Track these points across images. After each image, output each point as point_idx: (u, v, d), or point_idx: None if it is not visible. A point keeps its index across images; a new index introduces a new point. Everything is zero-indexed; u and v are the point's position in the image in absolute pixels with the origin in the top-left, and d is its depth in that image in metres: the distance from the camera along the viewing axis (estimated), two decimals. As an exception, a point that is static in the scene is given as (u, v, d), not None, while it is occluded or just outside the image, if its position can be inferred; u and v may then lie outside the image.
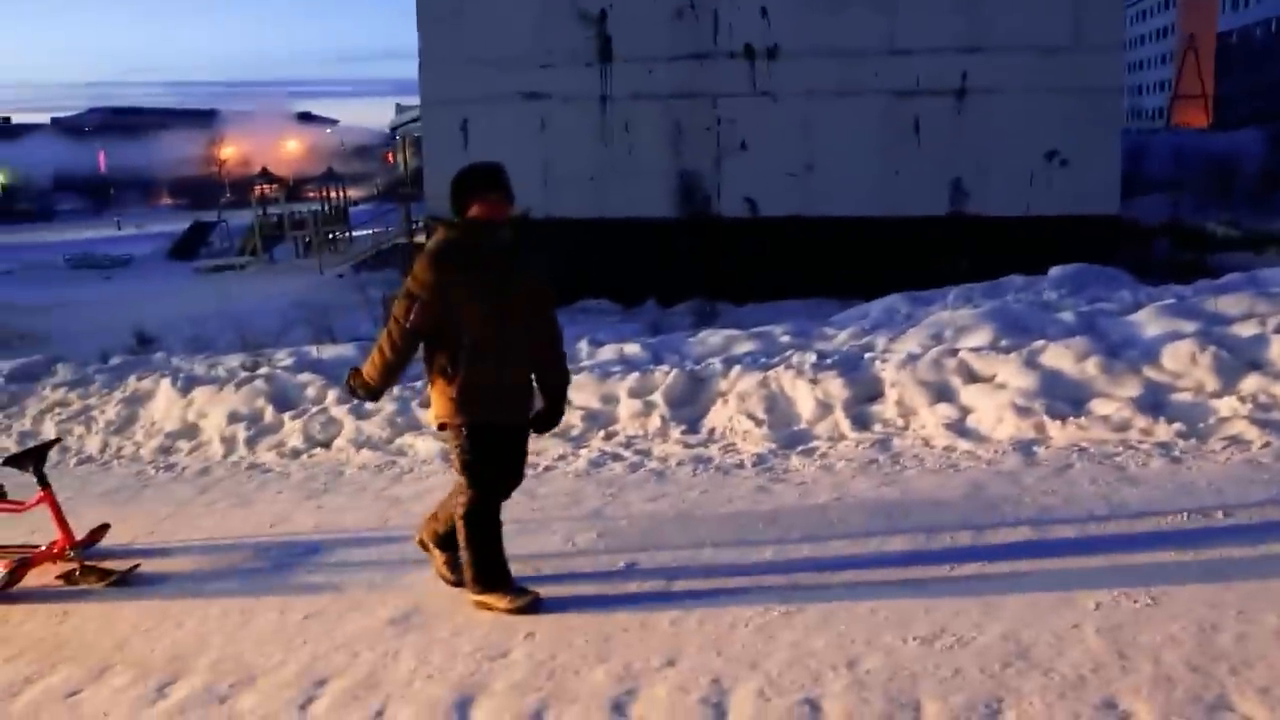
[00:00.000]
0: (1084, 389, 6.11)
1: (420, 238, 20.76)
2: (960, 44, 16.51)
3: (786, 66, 16.67)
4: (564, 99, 17.00)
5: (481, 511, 3.96)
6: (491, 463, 3.94)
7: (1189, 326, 6.53)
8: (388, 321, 3.97)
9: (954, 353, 6.49)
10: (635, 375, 6.73)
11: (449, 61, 16.98)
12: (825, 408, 6.16)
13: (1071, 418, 5.93)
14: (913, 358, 6.49)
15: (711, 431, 6.22)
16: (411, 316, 3.81)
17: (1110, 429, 5.82)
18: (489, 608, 3.97)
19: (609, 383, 6.73)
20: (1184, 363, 6.18)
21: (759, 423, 6.12)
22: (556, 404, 4.19)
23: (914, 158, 16.71)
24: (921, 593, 3.97)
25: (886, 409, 6.23)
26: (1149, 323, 6.70)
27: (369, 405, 6.80)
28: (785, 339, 7.13)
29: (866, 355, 6.66)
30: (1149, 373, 6.17)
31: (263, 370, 7.50)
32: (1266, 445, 5.52)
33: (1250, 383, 6.03)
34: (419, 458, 6.37)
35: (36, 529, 4.92)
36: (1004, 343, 6.59)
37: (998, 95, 16.64)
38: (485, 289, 3.82)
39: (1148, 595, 3.82)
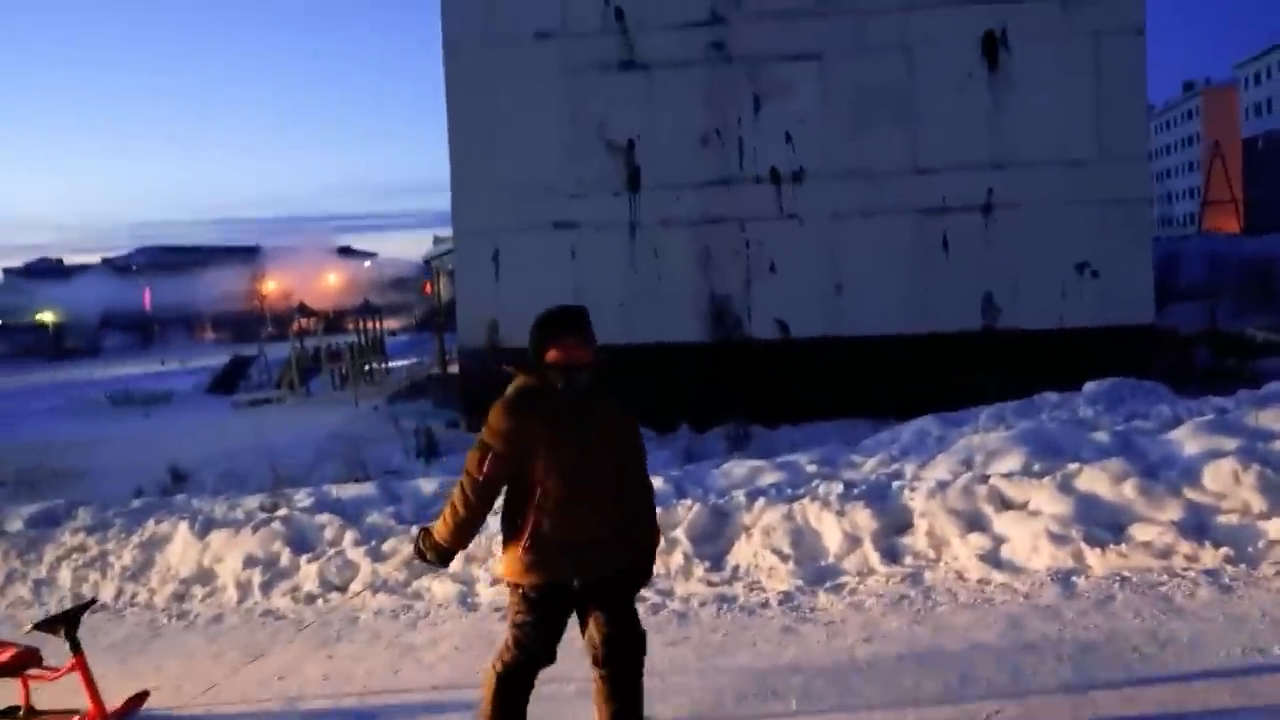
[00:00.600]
0: (1123, 513, 5.84)
1: (454, 368, 20.82)
2: (984, 160, 16.56)
3: (812, 189, 16.76)
4: (594, 227, 17.13)
5: (517, 674, 3.72)
6: (545, 629, 3.68)
7: (1230, 443, 6.27)
8: (461, 477, 3.72)
9: (985, 479, 6.25)
10: (658, 511, 6.51)
11: (480, 191, 17.22)
12: (853, 540, 5.92)
13: (1111, 545, 5.65)
14: (942, 485, 6.25)
15: (736, 569, 5.98)
16: (485, 468, 3.59)
17: (1152, 555, 5.54)
18: None
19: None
20: (1227, 482, 5.90)
21: (784, 558, 5.88)
22: (646, 564, 3.89)
23: (943, 274, 16.62)
24: (955, 748, 3.70)
25: (917, 540, 5.98)
26: (1188, 440, 6.44)
27: (385, 547, 6.63)
28: (811, 468, 6.91)
29: (895, 484, 6.43)
30: (1190, 494, 5.90)
31: (281, 511, 7.36)
32: (1320, 571, 5.23)
33: (1299, 503, 5.75)
34: (435, 601, 6.16)
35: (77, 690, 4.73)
36: (1037, 466, 6.35)
37: (1024, 209, 16.60)
38: (562, 438, 3.59)
39: (1200, 747, 3.53)
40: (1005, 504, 6.07)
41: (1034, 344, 15.92)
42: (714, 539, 6.25)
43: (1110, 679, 4.26)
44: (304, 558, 6.74)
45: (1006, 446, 6.68)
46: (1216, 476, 5.95)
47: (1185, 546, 5.54)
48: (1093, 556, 5.59)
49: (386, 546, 6.67)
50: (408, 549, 6.60)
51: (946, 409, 10.56)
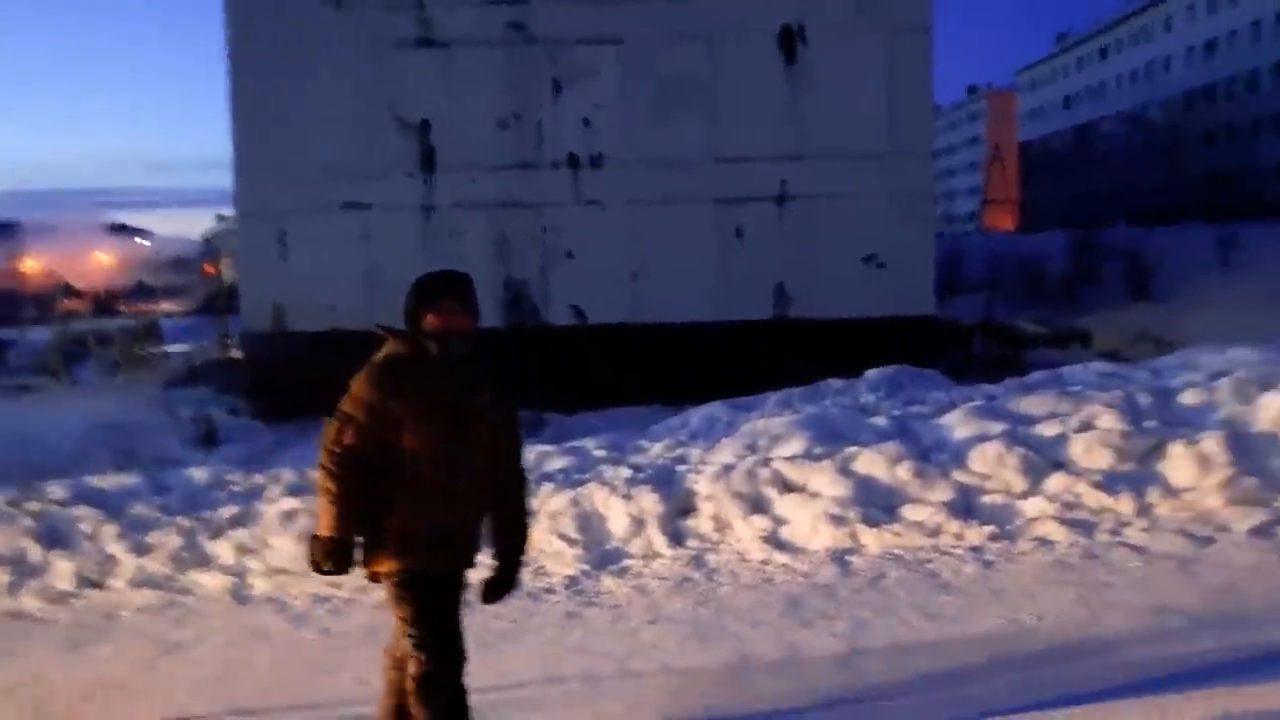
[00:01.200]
0: (897, 495, 6.12)
1: (237, 353, 20.00)
2: (781, 152, 17.03)
3: (611, 176, 16.86)
4: (387, 209, 16.76)
5: (440, 678, 3.26)
6: (444, 616, 3.28)
7: (996, 427, 6.65)
8: (319, 457, 3.26)
9: (768, 462, 6.43)
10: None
11: (265, 169, 16.57)
12: (639, 524, 5.99)
13: (885, 525, 5.92)
14: (727, 469, 6.40)
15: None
16: (345, 438, 3.18)
17: (923, 534, 5.83)
18: None
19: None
20: (992, 464, 6.26)
21: (571, 542, 5.90)
22: (512, 565, 3.50)
23: (739, 263, 17.00)
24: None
25: (701, 523, 6.10)
26: (959, 425, 6.79)
27: (150, 539, 6.30)
28: (600, 453, 6.96)
29: (680, 468, 6.54)
30: (959, 476, 6.23)
31: (31, 505, 6.88)
32: (1073, 545, 5.60)
33: (1055, 482, 6.15)
34: (205, 595, 5.90)
35: None
36: (818, 450, 6.57)
37: (818, 201, 17.15)
38: (435, 413, 3.23)
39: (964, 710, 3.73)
40: (787, 486, 6.26)
41: (825, 332, 16.49)
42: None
43: (881, 651, 4.44)
44: (57, 554, 6.33)
45: (790, 431, 6.88)
46: (983, 459, 6.30)
47: (953, 525, 5.86)
48: (868, 536, 5.84)
49: (152, 539, 6.33)
50: (175, 540, 6.30)
51: (742, 395, 10.81)
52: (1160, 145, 71.33)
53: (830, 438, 6.74)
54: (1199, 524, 5.73)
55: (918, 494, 6.08)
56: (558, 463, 6.78)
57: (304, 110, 16.69)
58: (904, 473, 6.19)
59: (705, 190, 17.09)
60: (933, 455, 6.40)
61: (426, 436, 3.21)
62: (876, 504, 6.04)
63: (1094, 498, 5.99)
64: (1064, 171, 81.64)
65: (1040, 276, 39.44)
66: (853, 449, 6.46)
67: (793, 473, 6.31)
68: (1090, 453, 6.30)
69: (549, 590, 5.52)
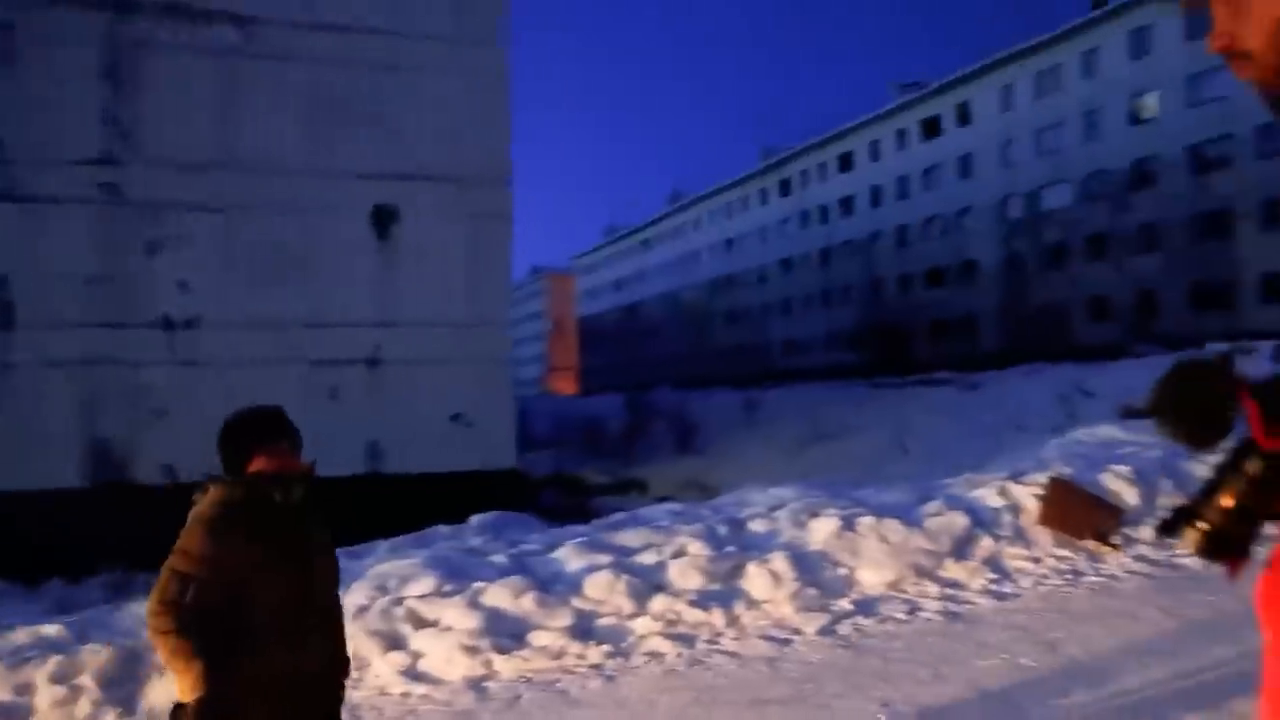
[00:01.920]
0: (523, 623, 6.26)
1: None
2: (373, 319, 17.16)
3: (208, 336, 16.17)
4: (-44, 365, 14.97)
5: None
6: None
7: (604, 559, 7.00)
8: (148, 620, 2.80)
9: (400, 601, 6.36)
10: (58, 658, 5.76)
11: None
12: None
13: (515, 650, 6.01)
14: (362, 609, 6.25)
15: (150, 710, 5.44)
16: (188, 598, 2.74)
17: (549, 657, 5.99)
18: None
19: (24, 670, 5.68)
20: (604, 591, 6.58)
21: (207, 692, 5.47)
22: (339, 702, 3.19)
23: (333, 421, 16.70)
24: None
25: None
26: (571, 558, 7.08)
27: None
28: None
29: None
30: (576, 603, 6.48)
31: None
32: (679, 655, 5.98)
33: (658, 602, 6.56)
34: None
35: None
36: (447, 588, 6.59)
37: (408, 365, 17.38)
38: (279, 558, 2.90)
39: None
40: (421, 622, 6.21)
41: (417, 484, 16.51)
42: (128, 681, 5.64)
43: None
44: None
45: (416, 572, 6.85)
46: (595, 586, 6.61)
47: (575, 646, 6.07)
48: (500, 662, 5.90)
49: None
50: None
51: (343, 548, 10.53)
52: (693, 322, 78.47)
53: (456, 576, 6.78)
54: (778, 629, 6.32)
55: (542, 621, 6.25)
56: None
57: None
58: (528, 603, 6.35)
59: (300, 352, 16.82)
60: (551, 586, 6.63)
61: (270, 584, 2.88)
62: (505, 633, 6.14)
63: (691, 614, 6.45)
64: (615, 343, 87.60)
65: (600, 433, 41.74)
66: (479, 584, 6.55)
67: (425, 609, 6.28)
68: (684, 576, 6.80)
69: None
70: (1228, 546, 1.48)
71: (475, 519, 10.93)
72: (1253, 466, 1.43)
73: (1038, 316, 49.33)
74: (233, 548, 2.83)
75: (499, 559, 7.22)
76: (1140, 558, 7.42)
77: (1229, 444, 1.51)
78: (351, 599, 6.55)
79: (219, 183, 16.15)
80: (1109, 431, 11.93)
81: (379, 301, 17.34)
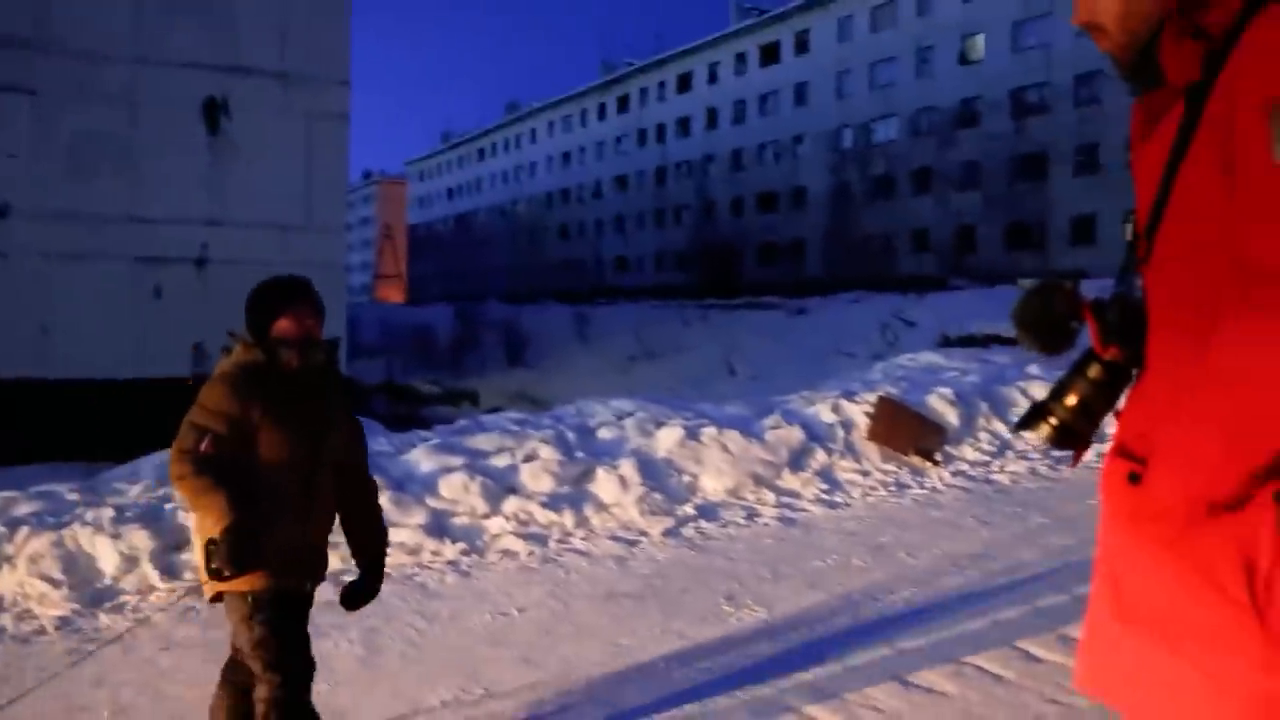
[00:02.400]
0: (380, 521, 6.39)
1: None
2: (202, 217, 16.55)
3: (20, 227, 15.28)
4: None
5: (294, 696, 2.97)
6: (295, 637, 3.01)
7: (458, 461, 7.17)
8: (169, 472, 2.88)
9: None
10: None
11: None
12: (131, 561, 5.67)
13: (372, 548, 6.16)
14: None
15: (1, 599, 5.37)
16: (201, 449, 2.80)
17: (406, 553, 6.15)
18: None
19: None
20: (458, 491, 6.77)
21: (57, 584, 5.43)
22: (377, 572, 3.27)
23: (157, 321, 16.16)
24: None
25: (194, 557, 5.92)
26: (424, 460, 7.22)
27: None
28: (73, 496, 6.41)
29: (167, 506, 6.27)
30: (431, 502, 6.65)
31: None
32: (531, 554, 6.25)
33: (511, 504, 6.79)
34: None
35: None
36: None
37: (238, 266, 16.84)
38: (293, 423, 2.95)
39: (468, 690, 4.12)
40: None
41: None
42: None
43: (394, 648, 4.71)
44: None
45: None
46: (450, 487, 6.79)
47: (431, 544, 6.26)
48: (357, 559, 6.04)
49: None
50: None
51: (164, 449, 10.32)
52: (526, 235, 77.97)
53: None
54: (625, 530, 6.66)
55: (398, 519, 6.39)
56: (27, 507, 6.15)
57: None
58: (384, 501, 6.46)
59: (124, 248, 16.12)
60: (407, 486, 6.76)
61: (282, 448, 2.94)
62: (362, 530, 6.27)
63: (543, 515, 6.72)
64: (446, 253, 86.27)
65: (430, 343, 41.40)
66: (334, 483, 6.63)
67: (281, 506, 6.34)
68: (536, 479, 7.05)
69: (40, 632, 5.05)
70: (1073, 438, 1.79)
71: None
72: (1093, 371, 1.74)
73: (863, 245, 51.27)
74: (248, 406, 2.89)
75: (352, 460, 7.31)
76: (959, 473, 8.10)
77: (1075, 353, 1.83)
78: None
79: (36, 63, 15.15)
80: (930, 358, 12.76)
81: (208, 199, 16.71)
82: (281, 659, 2.97)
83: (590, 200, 72.64)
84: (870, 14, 52.18)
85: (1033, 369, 10.43)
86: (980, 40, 46.62)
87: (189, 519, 6.07)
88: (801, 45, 56.49)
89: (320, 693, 3.33)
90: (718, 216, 61.54)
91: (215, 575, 2.80)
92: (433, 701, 4.11)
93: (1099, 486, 1.65)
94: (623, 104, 70.51)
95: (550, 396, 25.07)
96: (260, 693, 2.99)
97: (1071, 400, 1.75)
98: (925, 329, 29.60)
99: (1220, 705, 1.46)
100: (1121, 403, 1.74)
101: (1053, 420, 1.77)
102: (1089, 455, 1.84)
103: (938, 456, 8.29)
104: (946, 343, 24.76)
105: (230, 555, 2.71)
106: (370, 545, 3.30)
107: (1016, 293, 1.98)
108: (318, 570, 3.19)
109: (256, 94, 17.01)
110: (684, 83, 65.32)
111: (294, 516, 2.99)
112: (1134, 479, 1.56)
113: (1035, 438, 1.87)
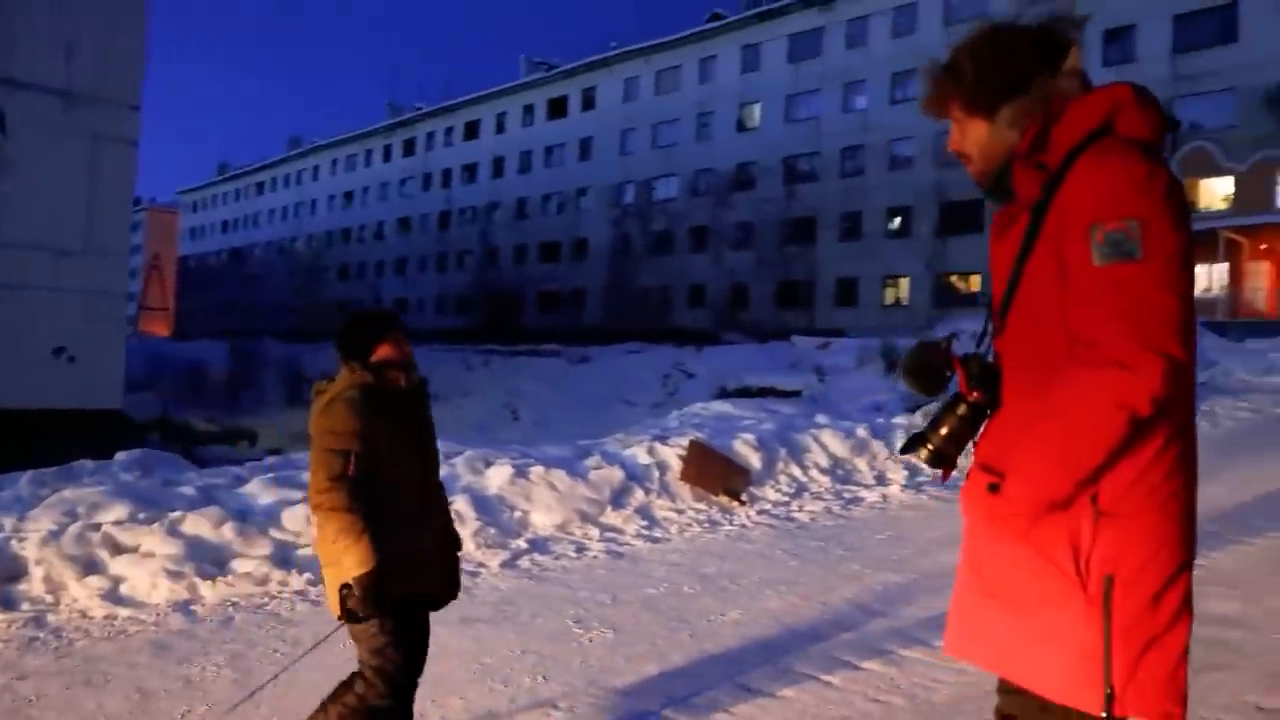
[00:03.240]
0: (225, 551, 6.47)
1: None
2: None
3: None
4: None
5: (387, 712, 3.16)
6: (410, 647, 3.21)
7: (297, 495, 7.30)
8: (314, 501, 3.06)
9: (96, 527, 6.35)
10: None
11: None
12: (-34, 593, 5.57)
13: (219, 577, 6.25)
14: (54, 534, 6.19)
15: None
16: (351, 469, 3.00)
17: (254, 583, 6.28)
18: None
19: None
20: (301, 523, 6.92)
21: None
22: (458, 573, 3.48)
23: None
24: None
25: (33, 587, 5.85)
26: (261, 493, 7.32)
27: None
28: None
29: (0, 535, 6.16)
30: (275, 533, 6.78)
31: None
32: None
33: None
34: None
35: None
36: (141, 515, 6.63)
37: (11, 290, 16.05)
38: (405, 439, 3.20)
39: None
40: (119, 548, 6.25)
41: (14, 421, 15.33)
42: None
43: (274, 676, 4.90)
44: None
45: (105, 500, 6.78)
46: (293, 519, 6.94)
47: (278, 574, 6.40)
48: (205, 587, 6.11)
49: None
50: None
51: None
52: (303, 273, 75.82)
53: (148, 505, 6.81)
54: (466, 563, 6.92)
55: (242, 550, 6.50)
56: None
57: None
58: (228, 532, 6.57)
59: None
60: (250, 517, 6.87)
61: (401, 461, 3.18)
62: (208, 559, 6.34)
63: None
64: (218, 287, 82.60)
65: (203, 380, 39.75)
66: (176, 513, 6.66)
67: (124, 535, 6.32)
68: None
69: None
70: (944, 460, 2.40)
71: (122, 455, 10.57)
72: (961, 409, 2.36)
73: (642, 297, 52.92)
74: (372, 423, 3.11)
75: (188, 491, 7.32)
76: (763, 511, 8.84)
77: (946, 395, 2.46)
78: (37, 525, 6.45)
79: None
80: (721, 407, 13.62)
81: (-20, 220, 15.83)
82: (391, 670, 3.17)
83: (372, 241, 71.57)
84: (655, 77, 54.35)
85: (821, 418, 11.42)
86: (757, 109, 49.42)
87: (24, 549, 6.00)
88: (588, 102, 58.09)
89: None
90: (501, 263, 62.02)
91: (349, 618, 3.06)
92: None
93: (961, 496, 2.25)
94: (409, 147, 70.12)
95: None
96: (359, 688, 3.18)
97: (944, 430, 2.35)
98: (703, 380, 30.91)
99: (1056, 651, 2.09)
100: (981, 433, 2.37)
101: (930, 445, 2.37)
102: (953, 474, 2.45)
103: (744, 496, 9.02)
104: (724, 394, 25.99)
105: (366, 601, 2.97)
106: (452, 550, 3.52)
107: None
108: (447, 576, 3.43)
109: (37, 109, 16.29)
110: (471, 130, 65.73)
111: (415, 526, 3.24)
112: (993, 488, 2.17)
113: (915, 459, 2.48)
